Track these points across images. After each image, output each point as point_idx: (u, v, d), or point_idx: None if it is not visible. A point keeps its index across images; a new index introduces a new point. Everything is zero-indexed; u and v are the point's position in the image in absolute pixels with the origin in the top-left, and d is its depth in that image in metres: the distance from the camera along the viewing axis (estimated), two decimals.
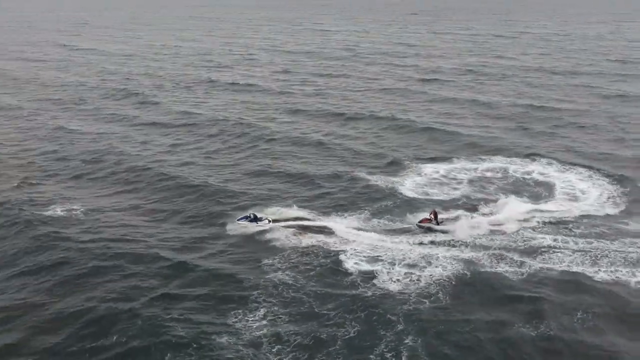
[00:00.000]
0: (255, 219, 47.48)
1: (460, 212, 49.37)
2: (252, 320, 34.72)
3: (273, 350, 32.20)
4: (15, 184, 57.42)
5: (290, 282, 38.91)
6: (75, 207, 51.61)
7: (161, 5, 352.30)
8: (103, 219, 49.41)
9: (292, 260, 41.77)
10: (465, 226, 45.94)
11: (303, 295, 37.37)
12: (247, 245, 44.81)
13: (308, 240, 44.77)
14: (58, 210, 50.80)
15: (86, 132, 76.94)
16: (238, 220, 48.11)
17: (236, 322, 34.65)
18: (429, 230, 46.08)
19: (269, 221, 47.57)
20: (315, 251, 43.01)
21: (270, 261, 41.73)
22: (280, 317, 35.05)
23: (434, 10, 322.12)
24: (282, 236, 45.44)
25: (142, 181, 58.47)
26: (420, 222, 46.78)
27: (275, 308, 35.94)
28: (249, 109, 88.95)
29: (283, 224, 47.52)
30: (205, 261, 42.18)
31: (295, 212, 49.67)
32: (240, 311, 35.64)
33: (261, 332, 33.66)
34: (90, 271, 40.41)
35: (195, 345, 32.35)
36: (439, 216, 47.08)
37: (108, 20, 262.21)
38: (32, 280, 40.01)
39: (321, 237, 45.19)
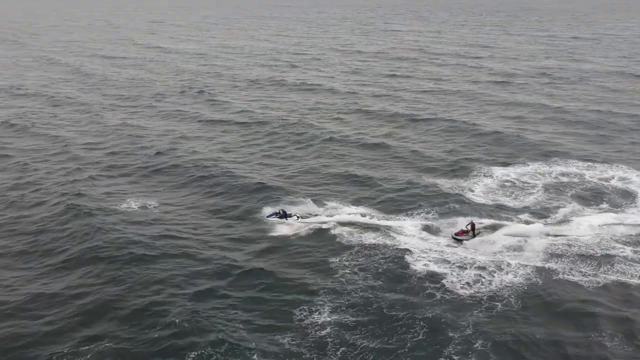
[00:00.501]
0: (285, 215, 47.48)
1: (532, 218, 47.63)
2: (317, 319, 34.29)
3: (338, 352, 31.62)
4: (86, 177, 59.26)
5: (357, 281, 38.43)
6: (138, 201, 52.74)
7: (235, 5, 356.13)
8: (165, 214, 50.27)
9: (359, 259, 41.27)
10: (536, 241, 43.51)
11: (370, 294, 36.78)
12: (311, 242, 44.55)
13: (373, 239, 44.13)
14: (131, 205, 52.11)
15: (154, 128, 78.74)
16: (267, 216, 48.07)
17: (301, 321, 34.32)
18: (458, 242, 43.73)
19: (298, 217, 47.62)
20: (381, 251, 42.32)
21: (337, 259, 41.34)
22: (346, 317, 34.52)
23: (510, 10, 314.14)
24: (346, 234, 45.08)
25: (205, 178, 58.81)
26: (457, 234, 44.20)
27: (342, 308, 35.42)
28: (315, 109, 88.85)
29: (345, 219, 47.38)
30: (269, 258, 42.19)
31: (360, 210, 49.42)
32: (305, 309, 35.34)
33: (326, 331, 33.18)
34: (150, 265, 40.87)
35: (256, 344, 32.11)
36: (477, 227, 44.50)
37: (183, 19, 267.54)
38: (94, 269, 40.94)
39: (387, 237, 44.47)
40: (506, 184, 55.61)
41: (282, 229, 46.52)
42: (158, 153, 66.75)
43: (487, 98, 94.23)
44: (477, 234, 44.04)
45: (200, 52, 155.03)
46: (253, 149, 69.09)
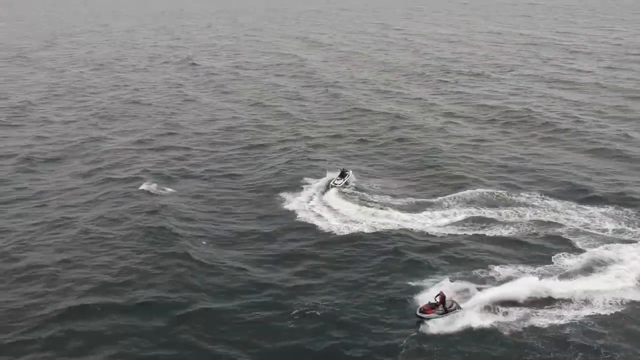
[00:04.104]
0: (343, 176, 52.49)
1: None
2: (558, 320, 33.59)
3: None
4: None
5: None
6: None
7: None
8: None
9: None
10: None
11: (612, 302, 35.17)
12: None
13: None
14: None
15: (377, 112, 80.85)
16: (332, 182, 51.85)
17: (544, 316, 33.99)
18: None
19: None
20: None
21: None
22: (590, 322, 33.47)
23: None
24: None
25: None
26: (422, 310, 33.81)
27: (585, 314, 34.23)
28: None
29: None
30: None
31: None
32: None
33: (567, 331, 32.35)
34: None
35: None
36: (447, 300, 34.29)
37: (440, 5, 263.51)
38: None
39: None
40: None
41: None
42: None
43: None
44: (450, 308, 34.01)
45: (452, 39, 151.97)
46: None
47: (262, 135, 70.93)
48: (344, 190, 51.29)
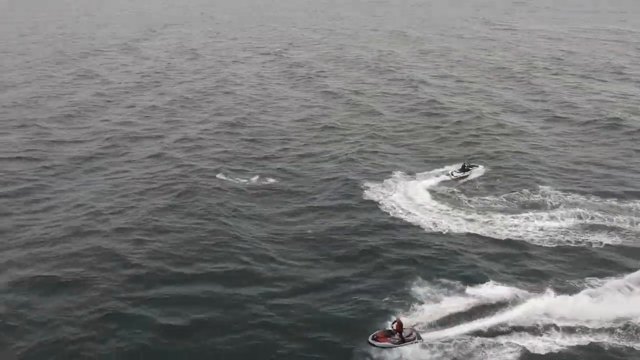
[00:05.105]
0: (463, 169, 52.26)
1: None
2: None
3: None
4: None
5: None
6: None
7: None
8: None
9: None
10: None
11: None
12: None
13: None
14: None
15: (453, 107, 78.94)
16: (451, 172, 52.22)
17: None
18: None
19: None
20: None
21: None
22: None
23: None
24: None
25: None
26: (375, 338, 30.53)
27: None
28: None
29: None
30: None
31: None
32: None
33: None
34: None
35: None
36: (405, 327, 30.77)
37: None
38: None
39: None
40: None
41: None
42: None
43: None
44: (409, 337, 30.40)
45: (554, 37, 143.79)
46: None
47: (347, 130, 70.32)
48: (436, 189, 50.25)
